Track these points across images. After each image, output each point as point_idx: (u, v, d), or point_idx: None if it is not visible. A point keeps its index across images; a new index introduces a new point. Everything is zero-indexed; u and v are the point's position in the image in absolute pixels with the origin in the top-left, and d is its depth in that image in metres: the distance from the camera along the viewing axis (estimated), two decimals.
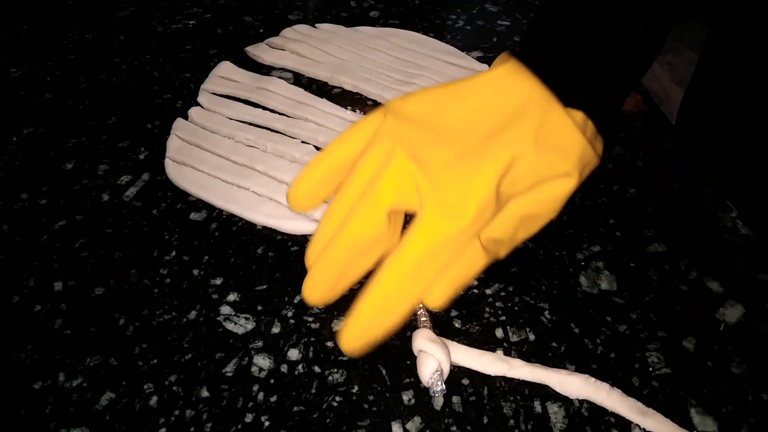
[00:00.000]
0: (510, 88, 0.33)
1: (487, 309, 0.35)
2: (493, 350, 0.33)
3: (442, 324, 0.34)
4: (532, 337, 0.34)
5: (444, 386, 0.30)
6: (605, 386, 0.31)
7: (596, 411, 0.30)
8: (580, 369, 0.32)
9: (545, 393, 0.31)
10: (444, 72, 0.51)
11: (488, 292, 0.36)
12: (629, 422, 0.30)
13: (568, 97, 0.32)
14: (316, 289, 0.32)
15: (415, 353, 0.32)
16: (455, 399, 0.31)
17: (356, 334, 0.30)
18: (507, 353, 0.33)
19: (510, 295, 0.36)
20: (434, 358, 0.30)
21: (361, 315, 0.30)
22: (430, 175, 0.31)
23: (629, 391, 0.31)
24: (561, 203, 0.33)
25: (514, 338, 0.34)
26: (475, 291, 0.36)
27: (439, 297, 0.32)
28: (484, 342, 0.33)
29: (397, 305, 0.31)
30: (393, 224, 0.33)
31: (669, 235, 0.39)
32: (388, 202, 0.32)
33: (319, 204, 0.35)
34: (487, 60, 0.53)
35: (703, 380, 0.32)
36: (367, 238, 0.32)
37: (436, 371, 0.30)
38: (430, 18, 0.59)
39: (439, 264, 0.31)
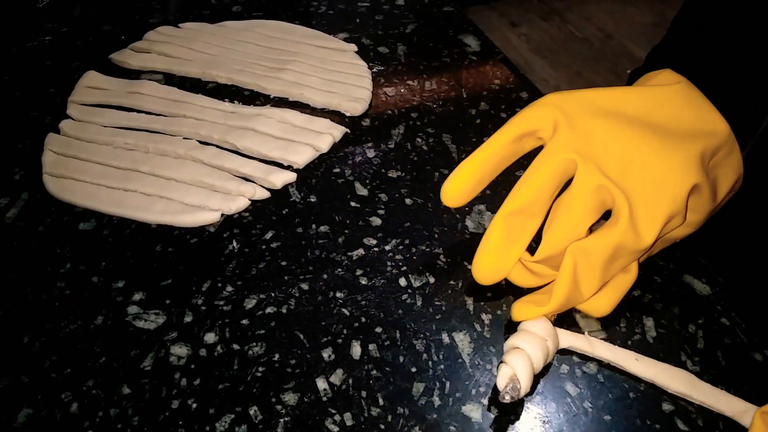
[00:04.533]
0: (690, 106, 0.34)
1: (389, 263, 0.37)
2: (399, 298, 0.35)
3: (349, 283, 0.36)
4: (432, 279, 0.36)
5: (514, 397, 0.29)
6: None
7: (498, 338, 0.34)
8: (477, 299, 0.35)
9: (450, 325, 0.34)
10: (315, 55, 0.53)
11: (387, 248, 0.38)
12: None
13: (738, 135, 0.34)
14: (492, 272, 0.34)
15: (505, 349, 0.32)
16: (371, 346, 0.33)
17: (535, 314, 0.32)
18: (411, 299, 0.35)
19: (407, 247, 0.38)
20: (512, 371, 0.30)
21: (557, 300, 0.31)
22: (622, 187, 0.31)
23: None
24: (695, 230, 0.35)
25: (416, 284, 0.36)
26: (376, 249, 0.38)
27: (605, 304, 0.33)
28: (390, 292, 0.36)
29: (574, 299, 0.32)
30: None
31: None
32: (592, 219, 0.32)
33: (469, 200, 0.36)
34: (353, 40, 0.55)
35: None
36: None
37: (511, 385, 0.29)
38: (293, 7, 0.61)
39: (614, 270, 0.32)
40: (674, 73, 0.35)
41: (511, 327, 0.34)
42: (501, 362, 0.31)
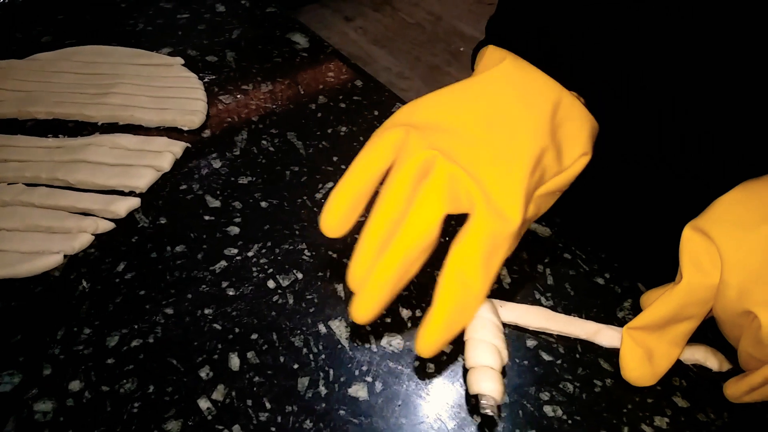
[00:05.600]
0: (518, 81, 0.35)
1: (254, 269, 0.37)
2: (270, 300, 0.35)
3: (216, 298, 0.35)
4: (300, 275, 0.37)
5: (494, 408, 0.30)
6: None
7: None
8: (347, 285, 0.36)
9: (324, 315, 0.34)
10: (140, 74, 0.50)
11: (250, 254, 0.38)
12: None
13: (569, 83, 0.35)
14: (371, 309, 0.31)
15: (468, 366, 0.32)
16: (250, 354, 0.33)
17: (437, 336, 0.30)
18: (283, 299, 0.35)
19: (270, 249, 0.38)
20: (487, 389, 0.30)
21: (441, 317, 0.30)
22: (474, 177, 0.32)
23: None
24: (575, 177, 0.36)
25: (285, 283, 0.36)
26: (238, 258, 0.38)
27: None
28: (260, 297, 0.35)
29: (471, 302, 0.31)
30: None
31: None
32: (444, 207, 0.31)
33: (351, 226, 0.34)
34: (179, 53, 0.54)
35: None
36: (423, 246, 0.31)
37: (490, 402, 0.30)
38: (108, 29, 0.57)
39: (499, 259, 0.32)
40: (498, 50, 0.37)
41: None
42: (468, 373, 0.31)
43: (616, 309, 0.36)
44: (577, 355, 0.33)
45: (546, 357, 0.33)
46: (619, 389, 0.32)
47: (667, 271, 0.35)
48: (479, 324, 0.32)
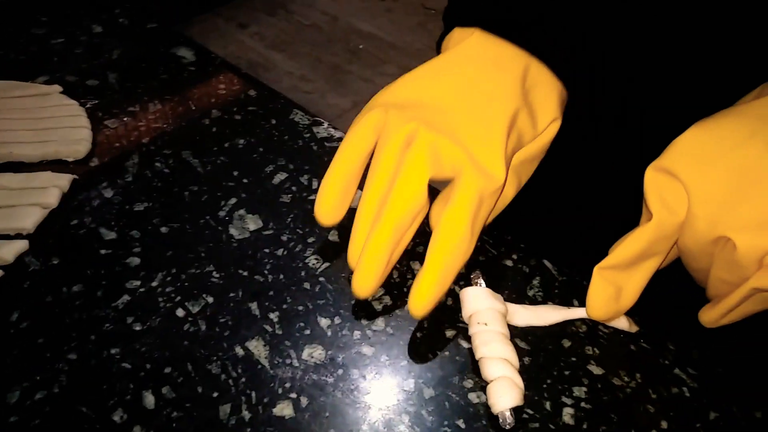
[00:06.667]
0: (487, 51, 0.37)
1: (160, 299, 0.35)
2: (181, 330, 0.34)
3: (122, 335, 0.33)
4: (210, 299, 0.35)
5: (513, 421, 0.30)
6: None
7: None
8: (260, 302, 0.35)
9: (240, 337, 0.33)
10: (15, 107, 0.47)
11: (154, 284, 0.36)
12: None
13: (536, 51, 0.37)
14: (369, 281, 0.32)
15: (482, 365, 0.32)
16: (165, 389, 0.31)
17: (430, 295, 0.31)
18: (194, 326, 0.34)
19: (176, 276, 0.37)
20: (510, 396, 0.30)
21: (432, 276, 0.31)
22: (457, 141, 0.33)
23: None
24: (549, 143, 0.38)
25: (195, 309, 0.35)
26: (142, 290, 0.36)
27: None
28: (169, 328, 0.34)
29: (457, 260, 0.32)
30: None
31: (292, 167, 0.44)
32: (428, 172, 0.33)
33: (345, 212, 0.36)
34: (56, 80, 0.50)
35: None
36: (412, 212, 0.33)
37: (510, 408, 0.30)
38: None
39: (483, 216, 0.34)
40: (465, 29, 0.39)
41: (305, 317, 0.34)
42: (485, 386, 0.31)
43: (526, 288, 0.37)
44: None
45: (465, 344, 0.33)
46: (535, 367, 0.33)
47: (572, 247, 0.36)
48: (497, 318, 0.33)
